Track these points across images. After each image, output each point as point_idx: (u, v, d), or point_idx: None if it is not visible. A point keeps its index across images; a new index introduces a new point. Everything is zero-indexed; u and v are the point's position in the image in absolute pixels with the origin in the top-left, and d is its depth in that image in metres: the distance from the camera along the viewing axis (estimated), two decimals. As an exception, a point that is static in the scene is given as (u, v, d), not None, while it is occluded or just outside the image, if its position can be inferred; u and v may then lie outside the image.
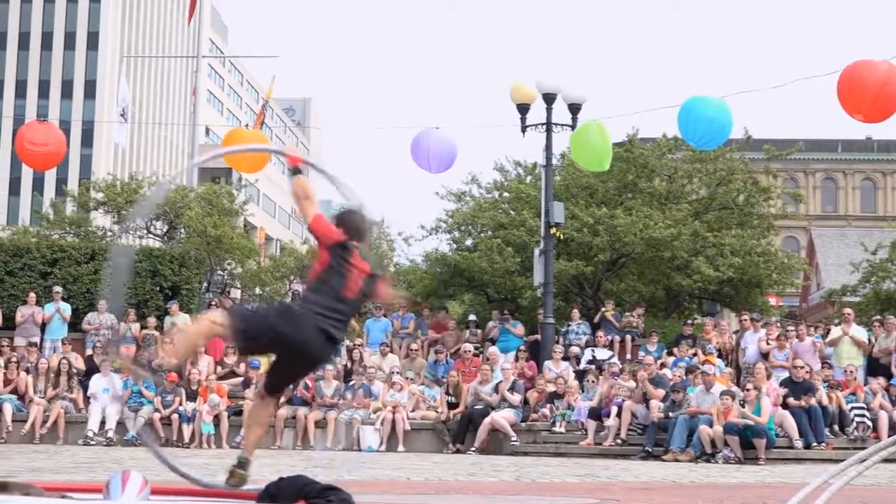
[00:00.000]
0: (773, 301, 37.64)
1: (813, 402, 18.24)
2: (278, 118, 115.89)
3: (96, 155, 79.87)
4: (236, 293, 37.26)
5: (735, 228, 29.93)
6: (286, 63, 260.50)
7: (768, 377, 18.93)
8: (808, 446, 17.82)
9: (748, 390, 17.71)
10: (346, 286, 7.08)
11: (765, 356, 20.44)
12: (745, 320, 22.21)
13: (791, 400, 18.38)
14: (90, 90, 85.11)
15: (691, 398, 18.42)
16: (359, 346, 22.31)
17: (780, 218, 37.62)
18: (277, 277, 37.41)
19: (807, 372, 18.93)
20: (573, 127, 22.30)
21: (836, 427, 18.58)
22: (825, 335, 21.53)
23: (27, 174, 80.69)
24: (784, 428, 18.01)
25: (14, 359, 21.36)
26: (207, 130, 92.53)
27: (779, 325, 22.91)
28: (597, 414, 19.29)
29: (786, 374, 19.32)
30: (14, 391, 20.93)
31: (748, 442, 17.26)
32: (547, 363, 21.45)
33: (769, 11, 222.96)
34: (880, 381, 19.38)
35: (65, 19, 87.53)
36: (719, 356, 21.23)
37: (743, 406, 17.61)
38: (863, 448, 11.21)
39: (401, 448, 19.57)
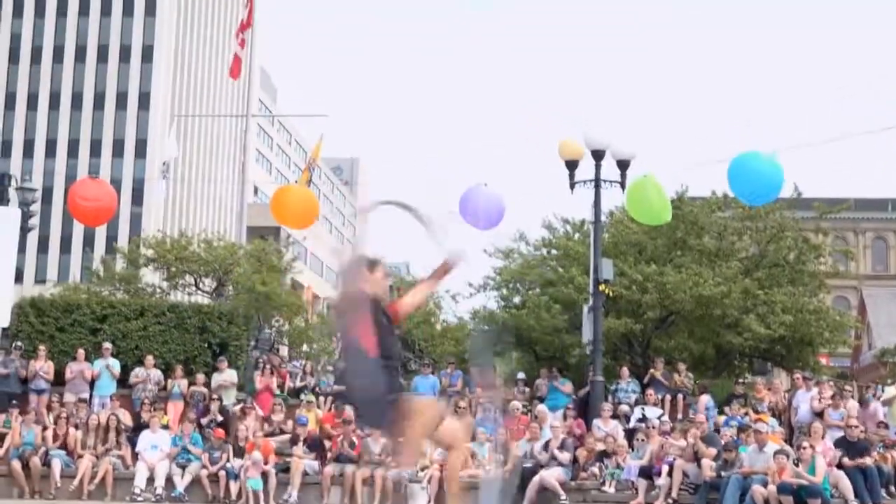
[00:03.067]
0: (824, 361, 37.19)
1: (868, 462, 17.94)
2: (326, 177, 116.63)
3: (146, 213, 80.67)
4: (284, 350, 37.30)
5: (786, 286, 29.62)
6: (334, 123, 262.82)
7: (822, 436, 18.65)
8: (863, 507, 17.50)
9: (803, 449, 17.43)
10: None
11: (818, 415, 20.14)
12: (798, 379, 21.93)
13: (846, 460, 18.08)
14: (141, 149, 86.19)
15: (744, 457, 18.15)
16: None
17: (831, 276, 37.21)
18: (325, 335, 37.45)
19: (862, 431, 18.64)
20: (622, 183, 22.24)
21: (892, 487, 18.23)
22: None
23: (78, 232, 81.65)
24: (839, 489, 17.69)
25: (64, 414, 21.42)
26: (256, 190, 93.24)
27: (832, 384, 22.63)
28: (647, 473, 19.04)
29: (840, 434, 19.02)
30: (63, 446, 20.97)
31: (802, 502, 16.96)
32: (596, 421, 21.25)
33: (821, 68, 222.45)
34: (936, 441, 19.05)
35: (117, 79, 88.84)
36: (772, 415, 20.96)
37: (797, 466, 17.32)
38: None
39: (449, 506, 19.37)
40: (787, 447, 18.32)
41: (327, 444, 21.16)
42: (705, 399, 22.14)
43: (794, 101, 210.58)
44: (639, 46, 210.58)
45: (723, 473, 18.06)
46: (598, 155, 22.73)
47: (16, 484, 20.46)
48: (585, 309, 23.40)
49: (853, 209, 55.87)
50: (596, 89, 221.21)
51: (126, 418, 21.82)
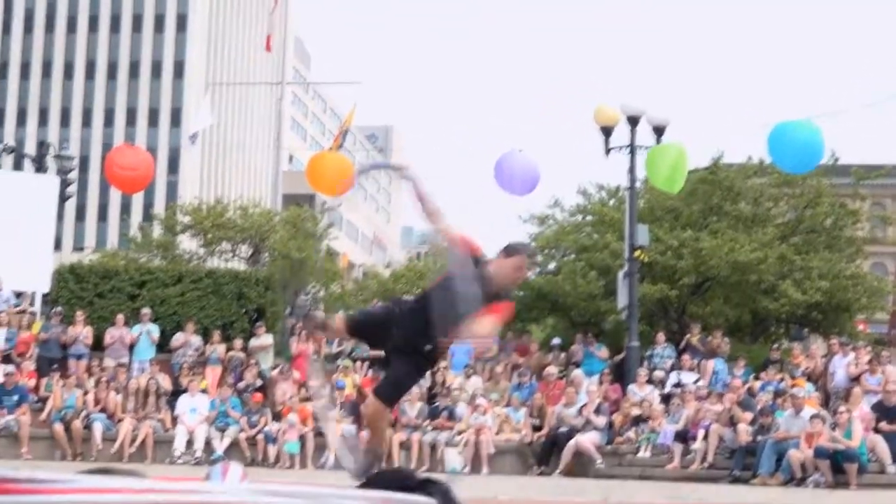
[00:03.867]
0: (860, 327, 36.97)
1: (906, 426, 17.88)
2: (361, 144, 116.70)
3: (182, 181, 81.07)
4: (320, 316, 37.52)
5: (823, 251, 29.44)
6: (368, 90, 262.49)
7: (859, 401, 18.59)
8: (901, 471, 17.44)
9: (839, 414, 17.39)
10: None
11: (855, 380, 20.09)
12: (834, 344, 21.86)
13: (883, 424, 18.03)
14: (176, 118, 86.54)
15: (780, 422, 18.13)
16: (443, 368, 22.28)
17: (869, 242, 36.95)
18: (361, 300, 37.63)
19: (899, 396, 18.56)
20: (657, 149, 22.15)
21: (929, 452, 18.15)
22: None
23: (115, 200, 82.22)
24: (876, 453, 17.65)
25: (104, 379, 21.68)
26: (291, 157, 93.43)
27: (869, 349, 22.53)
28: (683, 437, 19.06)
29: (877, 398, 18.97)
30: (104, 410, 21.24)
31: (839, 467, 16.93)
32: (631, 387, 21.27)
33: (857, 31, 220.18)
34: (975, 406, 18.92)
35: (152, 49, 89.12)
36: (808, 380, 20.91)
37: (834, 430, 17.30)
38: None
39: (485, 470, 19.50)
40: (824, 411, 18.28)
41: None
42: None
43: (830, 66, 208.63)
44: (676, 11, 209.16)
45: (759, 438, 18.05)
46: (633, 121, 22.66)
47: (58, 446, 20.76)
48: (621, 275, 23.38)
49: (891, 175, 55.30)
50: (632, 54, 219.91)
51: (165, 383, 22.05)
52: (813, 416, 17.42)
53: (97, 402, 21.33)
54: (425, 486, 4.36)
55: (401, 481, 4.50)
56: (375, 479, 4.74)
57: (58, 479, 3.12)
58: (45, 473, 3.17)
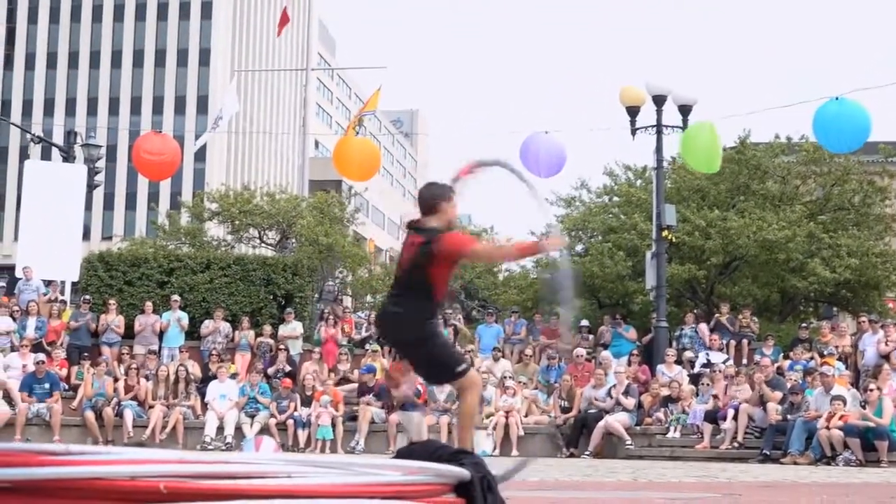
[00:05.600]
0: (890, 305, 36.80)
1: (936, 403, 17.77)
2: (386, 130, 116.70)
3: (209, 169, 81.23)
4: (348, 301, 37.60)
5: (851, 229, 29.31)
6: (393, 75, 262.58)
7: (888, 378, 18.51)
8: (932, 449, 17.35)
9: (869, 391, 17.33)
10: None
11: (885, 358, 20.00)
12: (864, 322, 21.76)
13: (914, 402, 17.93)
14: (202, 105, 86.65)
15: (810, 401, 18.09)
16: (471, 351, 22.32)
17: (898, 220, 36.76)
18: (389, 285, 37.66)
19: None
20: (684, 129, 22.12)
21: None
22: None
23: (143, 188, 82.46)
24: (907, 430, 17.57)
25: (134, 366, 21.81)
26: (317, 143, 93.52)
27: (898, 327, 22.41)
28: (713, 417, 19.05)
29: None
30: (135, 397, 21.37)
31: (869, 444, 16.87)
32: (660, 367, 21.26)
33: (885, 7, 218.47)
34: None
35: (177, 37, 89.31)
36: (838, 359, 20.83)
37: (864, 408, 17.24)
38: None
39: (514, 452, 19.53)
40: (849, 391, 18.19)
41: (393, 392, 21.35)
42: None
43: (859, 43, 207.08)
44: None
45: (789, 417, 18.01)
46: (659, 100, 22.58)
47: (89, 433, 20.92)
48: (648, 255, 23.35)
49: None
50: (657, 34, 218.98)
51: (195, 369, 22.17)
52: (834, 397, 17.36)
53: (128, 389, 21.47)
54: (457, 457, 4.39)
55: (433, 452, 4.53)
56: (408, 451, 4.77)
57: (93, 451, 3.18)
58: (79, 447, 3.23)
